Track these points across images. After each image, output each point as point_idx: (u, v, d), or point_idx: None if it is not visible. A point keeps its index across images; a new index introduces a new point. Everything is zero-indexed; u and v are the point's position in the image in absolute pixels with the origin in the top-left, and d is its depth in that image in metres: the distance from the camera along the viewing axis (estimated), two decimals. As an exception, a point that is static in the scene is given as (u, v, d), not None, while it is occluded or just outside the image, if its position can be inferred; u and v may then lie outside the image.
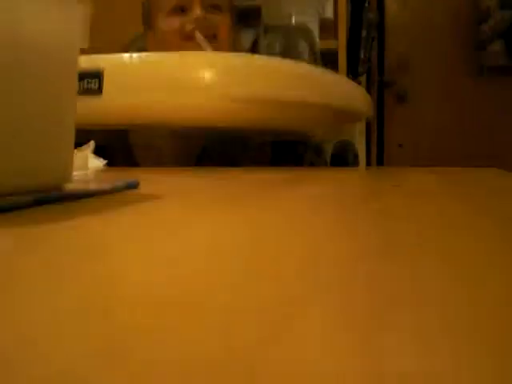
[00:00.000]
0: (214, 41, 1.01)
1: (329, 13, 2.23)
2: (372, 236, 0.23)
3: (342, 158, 1.24)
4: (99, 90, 0.75)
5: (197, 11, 1.01)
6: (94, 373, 0.09)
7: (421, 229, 0.24)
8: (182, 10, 1.02)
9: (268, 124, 0.86)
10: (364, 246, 0.20)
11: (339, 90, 0.92)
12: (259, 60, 0.84)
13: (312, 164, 1.11)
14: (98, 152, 0.64)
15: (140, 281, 0.15)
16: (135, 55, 0.79)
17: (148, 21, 1.09)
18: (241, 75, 0.78)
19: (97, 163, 0.60)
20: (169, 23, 1.03)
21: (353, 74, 2.06)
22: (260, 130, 0.90)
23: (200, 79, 0.76)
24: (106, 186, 0.38)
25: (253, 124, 0.85)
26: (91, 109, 0.74)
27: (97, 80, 0.76)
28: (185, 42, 1.00)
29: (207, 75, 0.76)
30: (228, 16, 1.07)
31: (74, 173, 0.41)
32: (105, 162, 0.62)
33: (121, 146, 0.98)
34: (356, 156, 1.30)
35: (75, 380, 0.08)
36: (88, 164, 0.56)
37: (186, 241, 0.21)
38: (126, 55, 0.81)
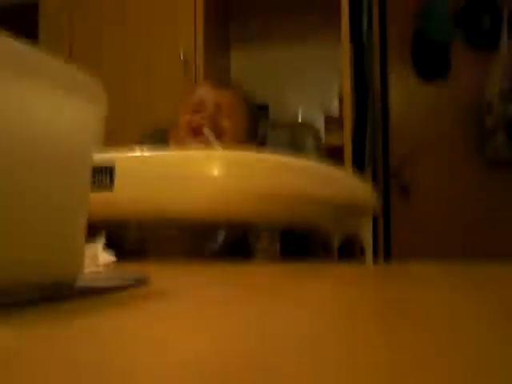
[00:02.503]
0: (219, 141, 1.10)
1: (334, 109, 2.31)
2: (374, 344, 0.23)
3: (350, 251, 1.24)
4: (111, 185, 0.77)
5: (209, 109, 1.15)
6: None
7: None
8: (199, 111, 1.17)
9: (274, 219, 0.87)
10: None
11: (346, 186, 0.93)
12: (266, 155, 0.86)
13: (319, 257, 1.11)
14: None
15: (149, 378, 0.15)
16: (146, 152, 0.82)
17: (176, 120, 1.23)
18: (248, 170, 0.80)
19: (107, 258, 0.61)
20: (184, 120, 1.18)
21: (359, 167, 2.10)
22: (266, 224, 0.91)
23: (209, 174, 0.78)
24: (116, 282, 0.39)
25: (260, 218, 0.86)
26: (103, 203, 0.76)
27: (108, 175, 0.78)
28: (192, 137, 1.11)
29: (215, 170, 0.78)
30: (239, 127, 1.19)
31: (85, 269, 0.41)
32: (115, 258, 0.63)
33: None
34: (363, 250, 1.30)
35: None
36: (99, 259, 0.56)
37: (196, 343, 0.21)
38: (137, 152, 0.83)
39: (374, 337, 0.23)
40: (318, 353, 0.19)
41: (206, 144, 1.08)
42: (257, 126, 1.33)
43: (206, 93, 1.19)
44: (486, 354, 0.19)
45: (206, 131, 1.09)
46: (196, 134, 1.12)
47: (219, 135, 1.11)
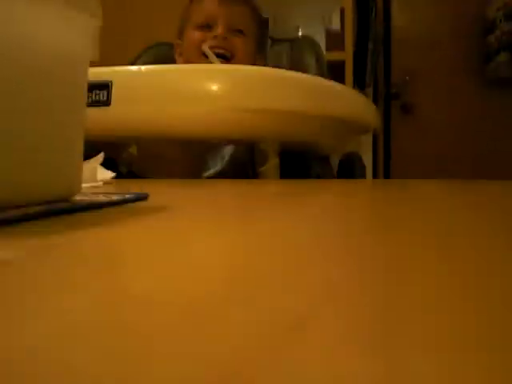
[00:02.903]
0: (231, 62, 1.05)
1: (335, 24, 2.25)
2: (376, 249, 0.23)
3: (349, 169, 1.24)
4: (107, 102, 0.75)
5: (219, 30, 1.07)
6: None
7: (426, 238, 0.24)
8: (208, 26, 1.09)
9: (274, 135, 0.86)
10: (369, 259, 0.20)
11: (346, 101, 0.92)
12: (265, 71, 0.84)
13: (319, 176, 1.11)
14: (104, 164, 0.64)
15: (150, 292, 0.15)
16: (143, 67, 0.80)
17: (181, 32, 1.16)
18: (247, 86, 0.78)
19: (106, 175, 0.61)
20: (192, 37, 1.11)
21: (359, 85, 2.07)
22: (266, 140, 0.90)
23: (206, 90, 0.76)
24: (115, 197, 0.38)
25: (259, 135, 0.85)
26: (99, 120, 0.74)
27: (105, 92, 0.76)
28: (202, 57, 1.05)
29: (213, 86, 0.76)
30: (250, 42, 1.13)
31: (84, 185, 0.41)
32: (114, 174, 0.63)
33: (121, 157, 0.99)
34: (363, 168, 1.30)
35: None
36: (97, 176, 0.56)
37: (196, 254, 0.21)
38: (135, 67, 0.81)
39: (373, 238, 0.23)
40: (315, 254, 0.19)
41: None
42: (266, 41, 1.29)
43: (215, 9, 1.10)
44: (485, 254, 0.19)
45: (205, 48, 1.05)
46: (204, 54, 1.06)
47: (232, 56, 1.07)
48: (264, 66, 1.18)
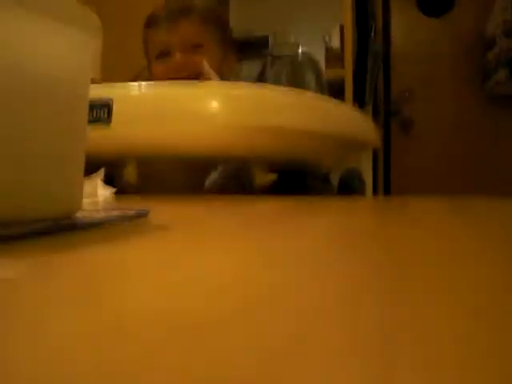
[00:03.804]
0: (200, 79, 1.03)
1: (335, 42, 2.26)
2: (381, 266, 0.23)
3: (349, 186, 1.24)
4: (108, 120, 0.76)
5: (176, 58, 1.05)
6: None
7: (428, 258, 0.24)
8: (167, 53, 1.07)
9: (274, 153, 0.86)
10: (372, 279, 0.20)
11: (346, 119, 0.92)
12: (265, 89, 0.84)
13: (319, 193, 1.11)
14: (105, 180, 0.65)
15: (149, 308, 0.15)
16: (143, 84, 0.81)
17: (147, 63, 1.15)
18: (247, 104, 0.79)
19: (106, 191, 0.61)
20: (156, 68, 1.09)
21: (359, 102, 2.08)
22: (267, 158, 0.91)
23: (207, 108, 0.77)
24: (115, 214, 0.39)
25: (260, 153, 0.85)
26: (100, 138, 0.75)
27: (106, 109, 0.77)
28: None
29: (214, 104, 0.77)
30: (212, 49, 1.10)
31: (84, 200, 0.41)
32: (114, 189, 0.63)
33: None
34: (363, 184, 1.30)
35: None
36: (98, 192, 0.56)
37: (195, 272, 0.21)
38: (135, 85, 0.82)
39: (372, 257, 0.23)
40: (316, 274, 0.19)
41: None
42: (229, 36, 1.21)
43: (166, 36, 1.06)
44: (484, 264, 0.19)
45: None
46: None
47: (198, 74, 1.04)
48: (235, 62, 1.17)
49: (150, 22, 1.11)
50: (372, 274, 0.21)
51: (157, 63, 1.09)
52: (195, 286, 0.18)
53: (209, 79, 1.03)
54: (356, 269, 0.22)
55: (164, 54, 1.08)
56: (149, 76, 1.15)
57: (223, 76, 1.10)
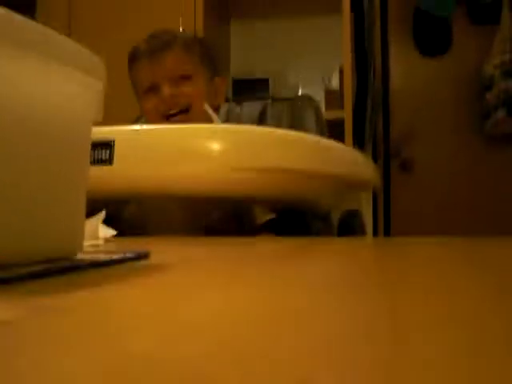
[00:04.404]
0: (191, 110, 1.06)
1: (335, 84, 2.29)
2: (377, 311, 0.23)
3: (349, 226, 1.24)
4: (110, 160, 0.76)
5: (164, 92, 1.05)
6: None
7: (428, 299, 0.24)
8: (155, 89, 1.07)
9: (275, 194, 0.87)
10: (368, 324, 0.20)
11: (346, 160, 0.93)
12: (265, 131, 0.85)
13: (319, 233, 1.11)
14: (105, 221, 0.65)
15: (149, 352, 0.15)
16: (145, 126, 0.82)
17: (137, 99, 1.15)
18: (247, 146, 0.79)
19: (107, 233, 0.61)
20: (146, 103, 1.09)
21: (359, 143, 2.09)
22: (268, 199, 0.91)
23: (207, 149, 0.77)
24: (116, 256, 0.39)
25: (261, 194, 0.85)
26: (102, 179, 0.75)
27: (108, 150, 0.77)
28: (164, 121, 1.05)
29: (214, 146, 0.77)
30: (200, 78, 1.10)
31: (85, 242, 0.41)
32: (115, 232, 0.63)
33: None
34: (363, 225, 1.30)
35: None
36: (98, 234, 0.56)
37: (194, 315, 0.21)
38: (136, 126, 0.83)
39: (374, 305, 0.23)
40: (313, 327, 0.19)
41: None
42: (214, 60, 1.20)
43: (151, 72, 1.07)
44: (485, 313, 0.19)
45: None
46: (164, 118, 1.06)
47: (189, 106, 1.06)
48: (224, 83, 1.17)
49: (134, 57, 1.10)
50: (371, 326, 0.21)
51: (146, 98, 1.09)
52: (190, 330, 0.18)
53: (209, 119, 1.05)
54: (356, 316, 0.22)
55: (152, 89, 1.08)
56: (140, 112, 1.16)
57: (214, 100, 1.11)
